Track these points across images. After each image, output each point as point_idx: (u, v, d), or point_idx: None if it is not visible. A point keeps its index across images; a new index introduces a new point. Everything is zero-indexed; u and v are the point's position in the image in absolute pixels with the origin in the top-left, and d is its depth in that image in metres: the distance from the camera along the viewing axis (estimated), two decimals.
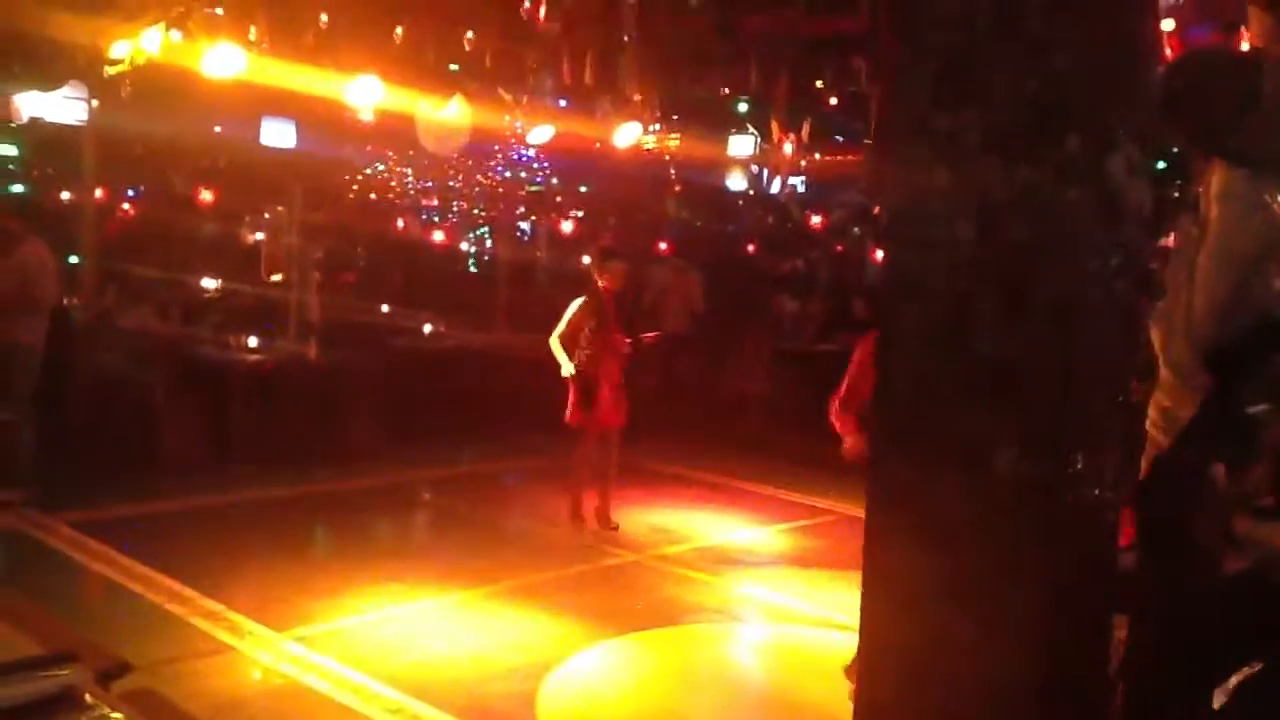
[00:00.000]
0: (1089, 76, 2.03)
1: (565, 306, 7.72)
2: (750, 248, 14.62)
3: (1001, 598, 2.12)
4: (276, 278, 10.52)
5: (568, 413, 7.63)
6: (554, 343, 7.57)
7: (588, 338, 7.52)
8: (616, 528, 7.77)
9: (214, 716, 4.45)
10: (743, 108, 10.10)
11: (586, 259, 7.71)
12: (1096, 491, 2.14)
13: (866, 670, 2.36)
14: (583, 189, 14.56)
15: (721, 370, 11.91)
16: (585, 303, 7.55)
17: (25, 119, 9.13)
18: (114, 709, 2.15)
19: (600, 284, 7.62)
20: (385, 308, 12.07)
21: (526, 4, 7.10)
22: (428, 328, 11.82)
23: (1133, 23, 2.14)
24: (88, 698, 2.14)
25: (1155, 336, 4.11)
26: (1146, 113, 2.16)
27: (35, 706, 2.04)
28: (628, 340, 7.69)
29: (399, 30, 7.05)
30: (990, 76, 2.00)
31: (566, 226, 14.40)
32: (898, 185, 2.18)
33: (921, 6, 2.11)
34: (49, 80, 6.67)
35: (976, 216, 2.04)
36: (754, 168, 12.47)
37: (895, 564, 2.25)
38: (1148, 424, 4.03)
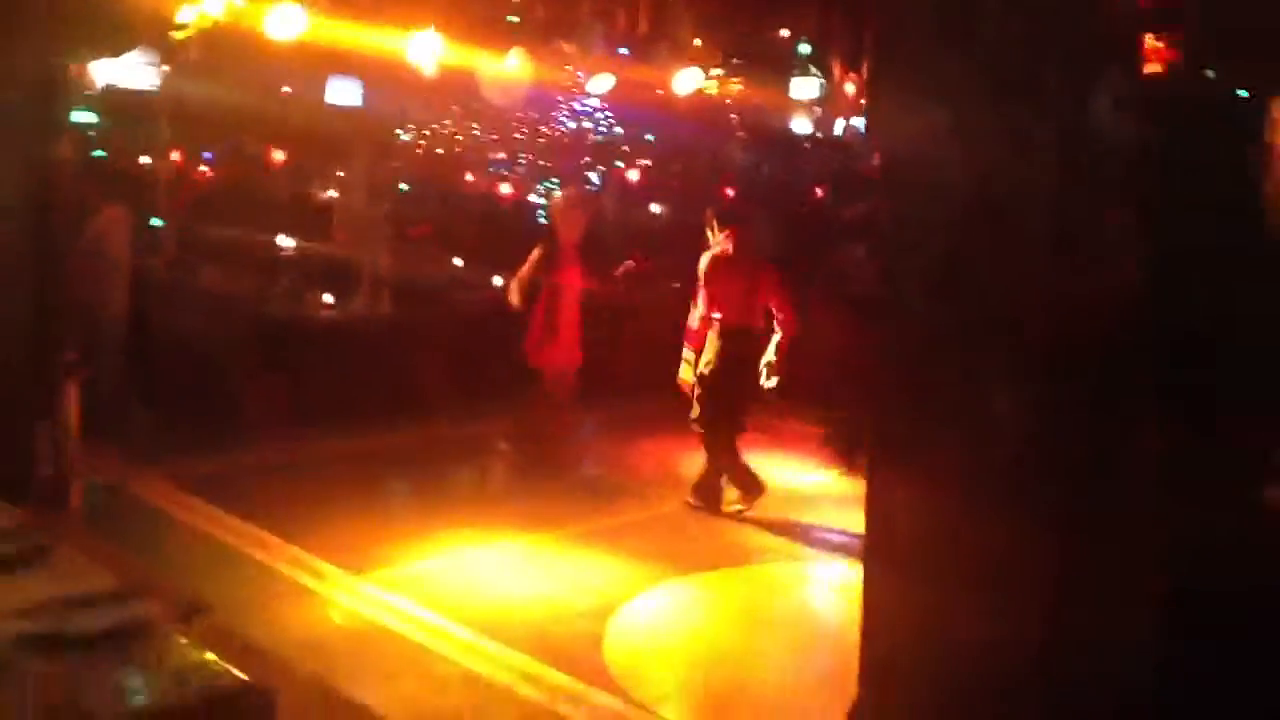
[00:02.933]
0: (1070, 11, 1.99)
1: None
2: (819, 192, 14.41)
3: (1006, 564, 2.09)
4: (346, 235, 10.69)
5: (531, 355, 8.04)
6: (513, 282, 8.07)
7: (547, 283, 7.94)
8: None
9: (293, 653, 4.63)
10: (804, 49, 9.95)
11: (547, 207, 8.07)
12: (1106, 437, 2.10)
13: (870, 627, 2.36)
14: (649, 137, 14.49)
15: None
16: (543, 251, 7.99)
17: (100, 87, 9.36)
18: (186, 640, 2.27)
19: (559, 234, 8.07)
20: (458, 261, 12.17)
21: None
22: (498, 280, 11.91)
23: None
24: (162, 630, 2.27)
25: None
26: (1135, 46, 2.10)
27: (112, 636, 2.18)
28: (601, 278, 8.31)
29: None
30: (981, 14, 1.97)
31: (633, 175, 14.36)
32: (896, 128, 2.15)
33: None
34: (117, 46, 6.84)
35: (970, 159, 2.02)
36: (817, 110, 12.26)
37: (898, 522, 2.25)
38: None
